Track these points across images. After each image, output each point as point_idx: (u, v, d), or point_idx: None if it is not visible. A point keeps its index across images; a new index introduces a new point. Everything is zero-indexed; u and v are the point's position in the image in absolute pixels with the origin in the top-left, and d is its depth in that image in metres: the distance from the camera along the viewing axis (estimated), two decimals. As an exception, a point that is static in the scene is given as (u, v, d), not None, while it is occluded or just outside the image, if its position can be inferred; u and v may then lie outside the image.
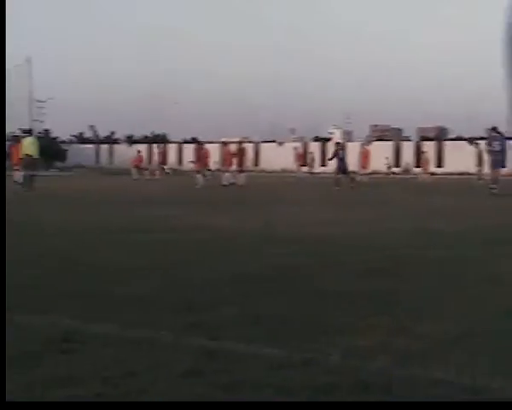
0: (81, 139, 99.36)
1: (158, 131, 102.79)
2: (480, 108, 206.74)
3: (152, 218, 13.89)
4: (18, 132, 51.16)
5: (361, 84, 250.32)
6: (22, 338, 4.52)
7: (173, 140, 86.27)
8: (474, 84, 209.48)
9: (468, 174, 49.03)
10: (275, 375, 3.79)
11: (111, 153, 75.20)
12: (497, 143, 25.28)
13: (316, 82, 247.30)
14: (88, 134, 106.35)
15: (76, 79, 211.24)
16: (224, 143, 38.23)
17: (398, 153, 65.90)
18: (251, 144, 67.14)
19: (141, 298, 5.83)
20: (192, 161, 57.82)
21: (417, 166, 58.99)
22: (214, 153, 58.38)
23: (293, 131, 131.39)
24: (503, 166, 25.80)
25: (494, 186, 24.21)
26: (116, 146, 79.91)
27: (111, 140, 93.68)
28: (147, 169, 46.04)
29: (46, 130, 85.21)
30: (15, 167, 31.97)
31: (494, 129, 25.88)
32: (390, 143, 72.72)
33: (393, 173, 53.52)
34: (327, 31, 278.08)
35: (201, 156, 34.39)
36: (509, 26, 2.95)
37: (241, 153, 34.00)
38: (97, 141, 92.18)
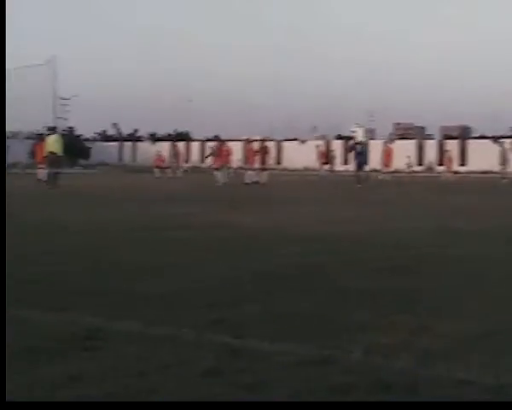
0: (104, 137, 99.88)
1: (181, 129, 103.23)
2: (505, 107, 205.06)
3: (173, 216, 13.92)
4: (42, 130, 51.59)
5: (384, 83, 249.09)
6: (45, 335, 4.56)
7: (196, 138, 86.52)
8: (499, 82, 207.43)
9: (492, 173, 48.70)
10: (297, 373, 3.80)
11: (134, 151, 75.50)
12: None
13: (337, 80, 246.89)
14: (111, 132, 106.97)
15: (100, 76, 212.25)
16: (248, 141, 38.03)
17: (421, 151, 65.56)
18: (273, 142, 67.06)
19: (163, 296, 5.86)
20: (207, 156, 57.94)
21: (440, 165, 58.67)
22: (237, 151, 58.62)
23: (314, 129, 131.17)
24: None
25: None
26: (139, 144, 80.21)
27: (134, 138, 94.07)
28: (169, 167, 46.13)
29: (70, 128, 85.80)
30: (39, 165, 32.21)
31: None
32: (413, 141, 72.36)
33: (414, 172, 53.18)
34: (343, 30, 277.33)
35: (222, 154, 34.39)
36: None
37: (263, 151, 33.97)
38: (121, 139, 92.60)
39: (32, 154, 34.78)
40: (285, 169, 60.32)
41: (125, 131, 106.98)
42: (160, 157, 46.45)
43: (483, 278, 6.85)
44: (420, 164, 63.10)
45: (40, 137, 35.44)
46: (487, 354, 4.19)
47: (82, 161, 66.90)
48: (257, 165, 32.65)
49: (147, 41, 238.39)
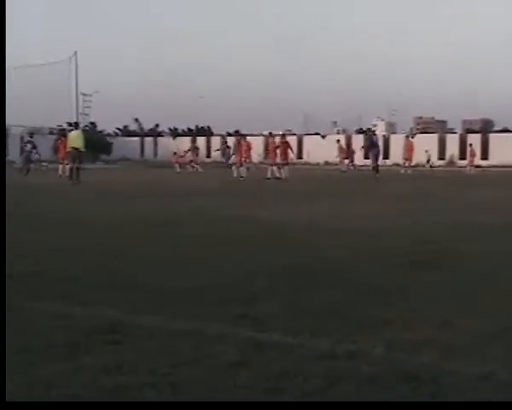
0: (126, 132, 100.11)
1: (202, 124, 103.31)
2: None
3: (196, 210, 13.95)
4: (65, 126, 51.85)
5: (405, 77, 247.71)
6: (69, 329, 4.64)
7: (217, 133, 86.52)
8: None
9: (515, 167, 48.34)
10: (322, 366, 3.85)
11: (155, 146, 75.64)
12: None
13: (358, 74, 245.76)
14: (133, 127, 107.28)
15: (121, 72, 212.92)
16: (270, 136, 37.74)
17: (442, 145, 65.14)
18: (294, 137, 66.94)
19: (186, 290, 5.92)
20: (218, 150, 57.83)
21: (462, 159, 58.27)
22: (258, 146, 58.56)
23: (335, 124, 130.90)
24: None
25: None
26: (160, 139, 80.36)
27: (155, 133, 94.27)
28: (191, 161, 45.97)
29: (92, 123, 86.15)
30: (61, 161, 32.37)
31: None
32: (434, 135, 71.91)
33: (431, 167, 52.81)
34: (364, 25, 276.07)
35: (241, 149, 34.26)
36: None
37: (284, 146, 33.87)
38: (142, 134, 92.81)
39: (55, 149, 34.93)
40: (306, 163, 60.18)
41: (147, 126, 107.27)
42: (178, 157, 46.06)
43: (508, 274, 6.85)
44: (441, 158, 62.66)
45: (62, 133, 35.63)
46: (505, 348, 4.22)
47: (104, 157, 67.08)
48: (278, 160, 32.54)
49: (160, 40, 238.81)
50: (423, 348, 4.18)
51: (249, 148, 35.75)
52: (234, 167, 32.79)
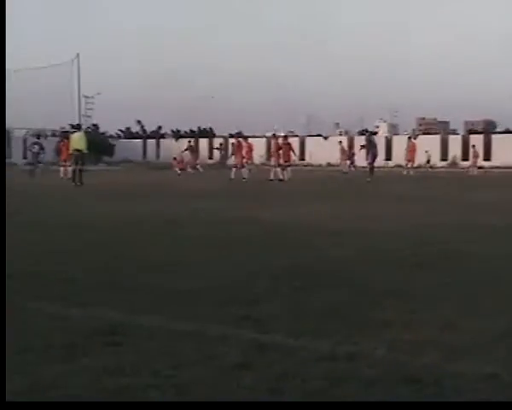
0: (128, 134, 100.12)
1: (204, 125, 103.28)
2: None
3: (197, 211, 13.95)
4: (67, 128, 51.92)
5: (407, 78, 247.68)
6: (69, 330, 4.65)
7: (219, 134, 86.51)
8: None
9: (517, 168, 48.27)
10: (324, 367, 3.85)
11: (158, 148, 75.64)
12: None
13: (360, 75, 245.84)
14: (135, 129, 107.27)
15: (122, 74, 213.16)
16: (275, 137, 37.55)
17: (445, 146, 65.06)
18: (296, 138, 66.92)
19: (188, 291, 5.93)
20: (217, 148, 57.60)
21: (464, 160, 58.19)
22: (260, 147, 58.53)
23: (337, 125, 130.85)
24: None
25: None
26: (163, 141, 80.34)
27: (158, 135, 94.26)
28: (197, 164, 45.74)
29: (94, 125, 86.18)
30: (63, 163, 32.36)
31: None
32: (437, 136, 71.84)
33: (431, 167, 52.73)
34: (366, 26, 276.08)
35: (241, 150, 34.14)
36: None
37: (286, 147, 33.81)
38: (144, 136, 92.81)
39: (57, 151, 34.95)
40: (308, 165, 60.16)
41: (149, 128, 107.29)
42: (177, 162, 45.54)
43: (507, 276, 6.84)
44: (444, 159, 62.60)
45: (65, 135, 35.65)
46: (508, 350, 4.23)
47: (106, 158, 67.11)
48: (280, 161, 32.47)
49: (161, 41, 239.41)
50: (424, 350, 4.18)
51: (251, 149, 35.72)
52: (233, 169, 32.65)
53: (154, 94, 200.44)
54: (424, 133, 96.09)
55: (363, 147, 35.32)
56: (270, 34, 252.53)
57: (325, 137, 73.24)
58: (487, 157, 58.80)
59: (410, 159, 41.79)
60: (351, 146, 56.46)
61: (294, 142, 51.94)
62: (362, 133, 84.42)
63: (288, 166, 32.48)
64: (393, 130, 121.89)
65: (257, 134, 73.58)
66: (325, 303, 5.46)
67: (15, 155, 63.72)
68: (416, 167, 42.75)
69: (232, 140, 49.19)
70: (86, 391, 3.52)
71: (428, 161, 54.16)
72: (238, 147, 34.86)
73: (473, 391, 3.52)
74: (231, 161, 36.59)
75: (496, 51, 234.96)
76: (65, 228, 11.05)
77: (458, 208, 15.45)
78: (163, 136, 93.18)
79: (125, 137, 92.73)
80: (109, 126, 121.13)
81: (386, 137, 71.34)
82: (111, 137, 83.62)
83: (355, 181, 29.53)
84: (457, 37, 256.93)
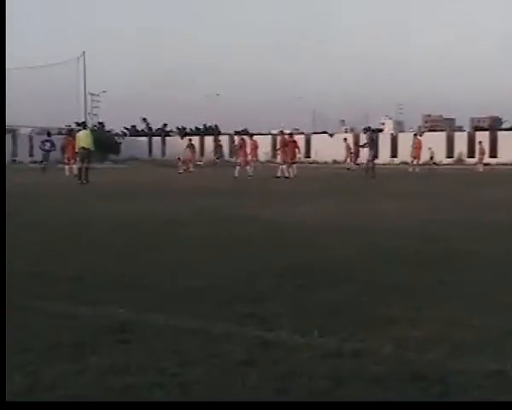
0: (134, 132, 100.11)
1: (210, 123, 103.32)
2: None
3: (202, 209, 13.94)
4: (73, 126, 51.95)
5: (413, 74, 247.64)
6: (78, 328, 4.66)
7: (224, 132, 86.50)
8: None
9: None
10: (330, 364, 3.85)
11: (163, 145, 75.63)
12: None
13: (366, 72, 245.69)
14: (140, 127, 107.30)
15: (127, 72, 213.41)
16: (282, 134, 37.23)
17: (451, 143, 64.90)
18: (302, 136, 66.84)
19: (193, 290, 5.92)
20: (215, 146, 57.32)
21: (470, 157, 58.03)
22: (266, 145, 58.45)
23: (342, 122, 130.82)
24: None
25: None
26: (168, 138, 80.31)
27: (163, 132, 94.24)
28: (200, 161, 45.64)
29: (100, 123, 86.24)
30: (67, 161, 32.35)
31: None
32: (443, 133, 71.70)
33: (434, 164, 52.61)
34: (372, 24, 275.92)
35: (245, 148, 34.03)
36: None
37: (292, 145, 33.75)
38: (150, 133, 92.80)
39: (63, 149, 34.90)
40: (314, 162, 60.10)
41: (155, 125, 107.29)
42: (182, 160, 45.22)
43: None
44: (450, 156, 62.45)
45: (70, 133, 35.61)
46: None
47: (112, 156, 67.13)
48: (286, 158, 32.40)
49: (162, 40, 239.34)
50: (430, 347, 4.18)
51: (256, 146, 35.66)
52: (237, 167, 32.56)
53: (159, 92, 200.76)
54: (430, 130, 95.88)
55: (364, 145, 35.02)
56: (272, 34, 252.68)
57: (331, 135, 73.14)
58: (493, 154, 58.60)
59: (416, 156, 41.73)
60: (357, 143, 56.35)
61: (300, 139, 51.93)
62: (367, 130, 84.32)
63: (294, 163, 32.42)
64: (399, 127, 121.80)
65: (262, 131, 73.56)
66: (330, 301, 5.46)
67: (21, 153, 63.81)
68: (421, 165, 42.64)
69: (236, 137, 48.97)
70: (92, 390, 3.52)
71: (432, 158, 54.03)
72: (242, 145, 34.73)
73: (479, 388, 3.51)
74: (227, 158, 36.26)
75: (503, 48, 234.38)
76: (69, 227, 11.07)
77: (464, 205, 15.42)
78: (168, 133, 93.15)
79: (131, 135, 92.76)
80: (115, 124, 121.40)
81: (392, 134, 71.20)
82: (117, 135, 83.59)
83: (360, 178, 29.46)
84: (459, 35, 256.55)
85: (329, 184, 25.84)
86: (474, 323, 4.76)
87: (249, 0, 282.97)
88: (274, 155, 55.02)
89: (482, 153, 48.85)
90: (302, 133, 74.55)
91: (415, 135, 46.67)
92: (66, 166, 32.13)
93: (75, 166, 29.57)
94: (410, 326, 4.67)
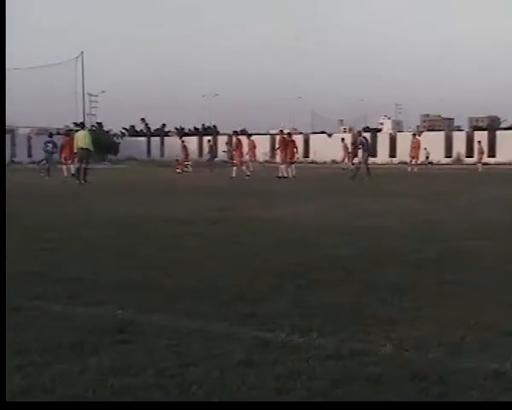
0: (133, 132, 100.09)
1: (208, 123, 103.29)
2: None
3: (203, 210, 13.93)
4: (71, 126, 51.89)
5: (412, 75, 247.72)
6: (78, 328, 4.66)
7: (223, 132, 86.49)
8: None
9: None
10: (330, 365, 3.85)
11: (162, 145, 75.62)
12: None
13: (364, 72, 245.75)
14: (139, 127, 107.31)
15: (128, 72, 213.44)
16: (282, 134, 36.93)
17: (449, 143, 64.94)
18: (300, 136, 66.84)
19: (192, 290, 5.93)
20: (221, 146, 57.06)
21: (469, 157, 58.06)
22: (264, 145, 58.46)
23: (341, 122, 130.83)
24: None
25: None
26: (167, 138, 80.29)
27: (162, 133, 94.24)
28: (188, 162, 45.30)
29: (99, 123, 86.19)
30: (64, 161, 32.30)
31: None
32: (441, 133, 71.74)
33: (430, 163, 52.61)
34: (369, 23, 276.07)
35: (241, 148, 33.99)
36: None
37: (291, 144, 33.70)
38: (149, 134, 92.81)
39: (61, 149, 34.82)
40: (313, 162, 60.13)
41: (153, 126, 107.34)
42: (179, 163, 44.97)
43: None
44: (448, 156, 62.48)
45: (68, 134, 35.55)
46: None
47: (111, 157, 67.15)
48: (285, 158, 32.36)
49: (162, 40, 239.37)
50: (430, 347, 4.18)
51: (254, 146, 35.63)
52: (234, 168, 32.51)
53: (158, 92, 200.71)
54: (428, 130, 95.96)
55: (360, 146, 34.82)
56: (272, 34, 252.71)
57: (329, 135, 73.16)
58: (492, 154, 58.63)
59: (415, 155, 41.76)
60: (353, 143, 56.35)
61: (299, 139, 51.92)
62: (366, 130, 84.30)
63: (293, 163, 32.40)
64: (397, 127, 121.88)
65: (261, 132, 73.55)
66: (329, 301, 5.46)
67: (20, 153, 63.82)
68: (420, 164, 42.65)
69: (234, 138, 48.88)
70: (92, 391, 3.52)
71: (427, 158, 54.04)
72: (238, 145, 34.68)
73: (479, 388, 3.51)
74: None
75: (501, 47, 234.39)
76: (68, 227, 11.06)
77: (463, 205, 15.41)
78: (167, 134, 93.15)
79: (130, 136, 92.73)
80: (114, 125, 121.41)
81: (391, 134, 71.23)
82: (115, 135, 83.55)
83: (359, 178, 29.43)
84: (458, 35, 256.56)
85: (328, 185, 25.81)
86: (474, 323, 4.76)
87: (249, 0, 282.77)
88: (273, 155, 55.05)
89: (481, 152, 48.83)
90: (301, 133, 74.56)
91: (413, 135, 46.64)
92: (64, 167, 32.10)
93: (72, 166, 29.62)
94: (410, 326, 4.67)
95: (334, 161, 57.83)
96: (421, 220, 11.74)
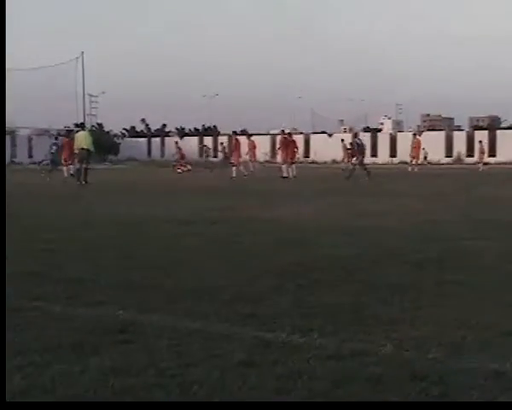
0: (133, 133, 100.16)
1: (208, 124, 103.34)
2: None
3: (203, 210, 13.93)
4: (72, 127, 51.86)
5: (412, 74, 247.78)
6: (78, 329, 4.66)
7: (223, 132, 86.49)
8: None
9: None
10: (330, 365, 3.85)
11: (162, 146, 75.67)
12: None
13: (364, 72, 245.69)
14: (140, 127, 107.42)
15: (127, 72, 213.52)
16: (283, 134, 36.79)
17: (449, 143, 64.95)
18: (301, 136, 66.88)
19: (193, 290, 5.92)
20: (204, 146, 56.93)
21: (469, 156, 58.08)
22: (265, 145, 58.49)
23: (341, 122, 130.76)
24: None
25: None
26: (167, 139, 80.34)
27: (162, 133, 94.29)
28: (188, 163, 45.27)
29: (99, 124, 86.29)
30: (64, 162, 32.30)
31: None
32: (441, 132, 71.76)
33: (429, 163, 52.62)
34: (372, 24, 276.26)
35: (239, 148, 33.98)
36: None
37: (291, 145, 33.68)
38: (149, 134, 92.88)
39: (61, 150, 34.77)
40: (313, 162, 60.15)
41: (154, 126, 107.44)
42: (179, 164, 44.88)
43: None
44: (449, 156, 62.49)
45: (68, 134, 35.52)
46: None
47: (111, 157, 67.20)
48: (286, 158, 32.34)
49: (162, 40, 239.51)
50: (430, 347, 4.17)
51: (254, 147, 35.62)
52: (233, 168, 32.49)
53: (158, 93, 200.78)
54: (429, 130, 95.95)
55: (352, 149, 34.63)
56: (272, 32, 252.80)
57: (329, 135, 73.17)
58: (492, 153, 58.63)
59: (415, 155, 41.76)
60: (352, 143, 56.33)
61: (299, 139, 51.92)
62: (366, 130, 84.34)
63: (293, 163, 32.38)
64: (398, 126, 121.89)
65: (261, 132, 73.59)
66: (330, 301, 5.46)
67: (20, 154, 63.87)
68: (418, 164, 42.65)
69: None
70: (92, 391, 3.52)
71: (425, 158, 54.07)
72: (236, 145, 34.62)
73: (479, 388, 3.51)
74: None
75: (501, 47, 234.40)
76: (68, 227, 11.06)
77: (463, 205, 15.40)
78: (168, 134, 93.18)
79: (130, 136, 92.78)
80: (114, 125, 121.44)
81: (391, 134, 71.25)
82: (116, 135, 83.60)
83: (358, 179, 29.45)
84: (458, 35, 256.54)
85: (329, 185, 25.81)
86: (474, 323, 4.75)
87: (249, 0, 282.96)
88: (273, 155, 55.06)
89: (482, 152, 48.83)
90: (301, 133, 74.57)
91: (414, 135, 46.62)
92: (64, 168, 32.11)
93: (72, 167, 29.62)
94: (411, 326, 4.67)
95: (334, 161, 57.84)
96: (422, 220, 11.74)
